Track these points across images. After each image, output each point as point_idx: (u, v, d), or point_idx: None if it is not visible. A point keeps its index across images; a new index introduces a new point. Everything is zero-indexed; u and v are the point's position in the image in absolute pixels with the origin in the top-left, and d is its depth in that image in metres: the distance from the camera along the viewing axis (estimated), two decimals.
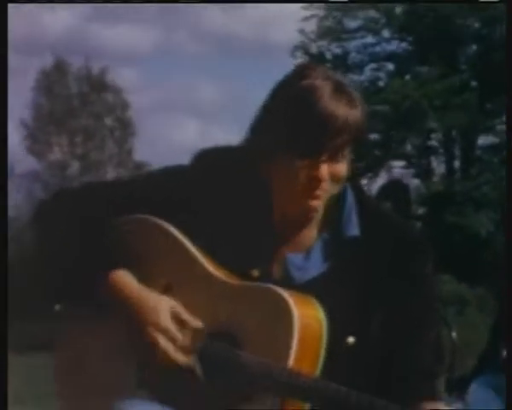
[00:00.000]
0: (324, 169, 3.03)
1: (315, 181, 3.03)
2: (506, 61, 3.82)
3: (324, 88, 3.05)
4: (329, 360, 2.99)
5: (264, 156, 3.11)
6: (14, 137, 53.06)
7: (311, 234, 3.16)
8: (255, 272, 3.09)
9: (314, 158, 3.03)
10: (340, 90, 3.07)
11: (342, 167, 3.07)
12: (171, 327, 3.02)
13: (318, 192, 3.05)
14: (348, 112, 3.03)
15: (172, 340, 3.01)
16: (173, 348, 3.00)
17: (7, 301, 3.37)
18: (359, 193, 3.22)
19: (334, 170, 3.05)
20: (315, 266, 3.12)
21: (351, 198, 3.19)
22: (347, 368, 2.98)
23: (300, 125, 3.04)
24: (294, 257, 3.13)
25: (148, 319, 3.02)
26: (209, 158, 3.24)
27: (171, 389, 3.01)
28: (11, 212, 39.73)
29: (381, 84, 41.09)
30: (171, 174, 3.24)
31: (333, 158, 3.04)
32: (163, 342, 3.00)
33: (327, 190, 3.06)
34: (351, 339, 3.03)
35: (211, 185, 3.16)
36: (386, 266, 3.10)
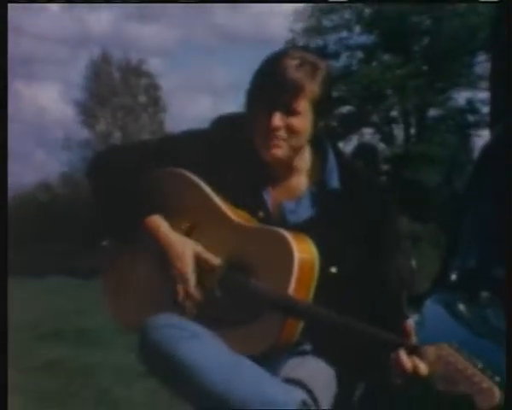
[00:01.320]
0: (277, 119, 2.99)
1: (270, 130, 3.00)
2: (506, 60, 3.56)
3: (289, 57, 3.03)
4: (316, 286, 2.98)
5: (250, 118, 3.10)
6: (70, 114, 53.34)
7: (300, 186, 3.13)
8: (260, 215, 3.08)
9: (268, 109, 3.00)
10: (303, 61, 3.03)
11: (298, 122, 3.00)
12: (191, 277, 3.01)
13: (275, 141, 3.02)
14: (303, 76, 2.99)
15: (193, 272, 3.01)
16: (196, 277, 3.01)
17: (6, 302, 3.20)
18: (338, 153, 3.19)
19: (289, 122, 3.00)
20: (304, 211, 3.10)
21: (331, 157, 3.15)
22: (330, 293, 2.96)
23: (263, 85, 3.04)
24: (288, 204, 3.11)
25: (175, 263, 3.03)
26: (220, 123, 3.22)
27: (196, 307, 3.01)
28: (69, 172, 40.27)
29: (353, 68, 41.49)
30: (195, 135, 3.22)
31: (286, 112, 3.00)
32: (186, 274, 3.01)
33: (285, 139, 3.02)
34: (333, 269, 3.02)
35: (224, 144, 3.15)
36: (361, 211, 3.09)
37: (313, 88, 3.02)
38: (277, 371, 2.91)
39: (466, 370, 2.65)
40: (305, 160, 3.15)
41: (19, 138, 69.35)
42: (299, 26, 40.97)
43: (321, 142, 3.16)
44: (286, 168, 3.13)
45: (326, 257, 3.01)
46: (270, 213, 3.11)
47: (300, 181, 3.15)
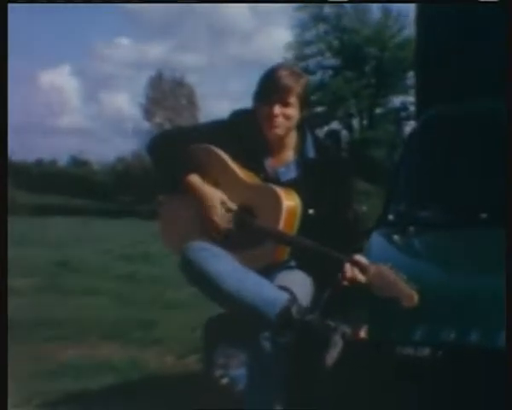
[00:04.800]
0: (276, 109, 3.00)
1: (272, 116, 3.01)
2: (506, 61, 3.34)
3: (283, 69, 3.06)
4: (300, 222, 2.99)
5: (257, 110, 3.08)
6: (137, 112, 53.74)
7: (289, 156, 3.12)
8: (261, 175, 3.07)
9: (270, 102, 3.01)
10: (292, 70, 3.08)
11: (290, 110, 3.02)
12: (218, 207, 3.01)
13: (275, 124, 3.02)
14: (292, 81, 3.01)
15: (217, 215, 3.01)
16: (218, 219, 3.01)
17: (7, 306, 2.95)
18: (313, 134, 3.17)
19: (284, 111, 3.01)
20: (291, 173, 3.10)
21: (309, 137, 3.14)
22: (309, 227, 2.96)
23: (266, 87, 3.03)
24: (281, 168, 3.11)
25: (207, 202, 3.03)
26: (235, 115, 3.19)
27: (218, 236, 3.01)
28: (137, 150, 40.42)
29: (325, 81, 41.78)
30: (220, 122, 3.19)
31: (282, 103, 3.00)
32: (213, 215, 3.02)
33: (282, 122, 3.03)
34: (311, 211, 3.02)
35: (238, 128, 3.11)
36: (328, 172, 3.08)
37: (298, 89, 3.02)
38: (273, 280, 2.89)
39: (395, 281, 2.67)
40: (292, 139, 3.12)
41: (102, 128, 70.11)
42: (290, 54, 41.18)
43: (303, 127, 3.14)
44: (280, 144, 3.11)
45: (306, 202, 3.00)
46: (268, 175, 3.09)
47: (289, 153, 3.13)
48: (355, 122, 42.89)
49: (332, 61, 43.12)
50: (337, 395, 2.71)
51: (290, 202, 2.96)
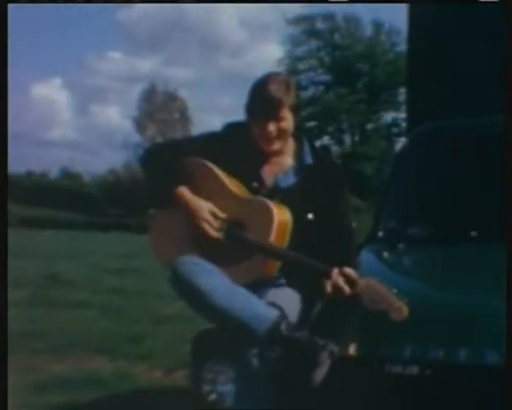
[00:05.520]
0: (271, 127, 2.99)
1: (267, 134, 3.00)
2: (506, 61, 3.28)
3: (270, 79, 3.02)
4: (296, 231, 2.97)
5: (250, 123, 3.06)
6: (128, 125, 53.67)
7: (287, 163, 3.11)
8: (255, 185, 3.06)
9: (263, 120, 3.00)
10: (279, 80, 3.04)
11: (284, 124, 3.01)
12: (209, 217, 2.99)
13: (271, 140, 3.01)
14: (282, 93, 2.98)
15: (208, 223, 2.99)
16: (209, 227, 2.99)
17: (7, 312, 2.98)
18: (310, 144, 3.16)
19: (279, 126, 3.00)
20: (289, 179, 3.09)
21: (306, 144, 3.13)
22: (304, 236, 2.96)
23: (257, 102, 3.01)
24: (279, 174, 3.10)
25: (196, 213, 3.01)
26: (229, 127, 3.17)
27: (208, 249, 2.99)
28: (127, 163, 40.36)
29: (317, 97, 41.91)
30: (211, 135, 3.19)
31: (275, 119, 2.99)
32: (204, 224, 3.00)
33: (278, 136, 3.02)
34: (309, 216, 3.01)
35: (233, 140, 3.11)
36: (324, 181, 3.06)
37: (289, 100, 3.01)
38: (262, 297, 2.87)
39: (384, 294, 2.66)
40: (290, 146, 3.12)
41: (92, 140, 70.08)
42: (281, 68, 41.32)
43: (299, 135, 3.15)
44: (278, 152, 3.10)
45: (305, 208, 3.01)
46: (266, 182, 3.09)
47: (287, 160, 3.13)
48: (346, 137, 43.15)
49: (324, 76, 43.47)
50: None
51: (282, 216, 2.96)
